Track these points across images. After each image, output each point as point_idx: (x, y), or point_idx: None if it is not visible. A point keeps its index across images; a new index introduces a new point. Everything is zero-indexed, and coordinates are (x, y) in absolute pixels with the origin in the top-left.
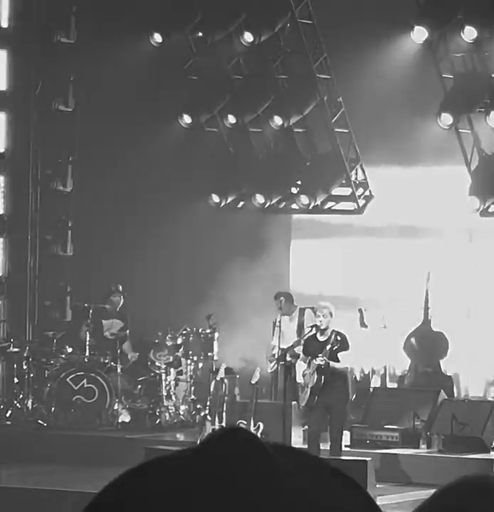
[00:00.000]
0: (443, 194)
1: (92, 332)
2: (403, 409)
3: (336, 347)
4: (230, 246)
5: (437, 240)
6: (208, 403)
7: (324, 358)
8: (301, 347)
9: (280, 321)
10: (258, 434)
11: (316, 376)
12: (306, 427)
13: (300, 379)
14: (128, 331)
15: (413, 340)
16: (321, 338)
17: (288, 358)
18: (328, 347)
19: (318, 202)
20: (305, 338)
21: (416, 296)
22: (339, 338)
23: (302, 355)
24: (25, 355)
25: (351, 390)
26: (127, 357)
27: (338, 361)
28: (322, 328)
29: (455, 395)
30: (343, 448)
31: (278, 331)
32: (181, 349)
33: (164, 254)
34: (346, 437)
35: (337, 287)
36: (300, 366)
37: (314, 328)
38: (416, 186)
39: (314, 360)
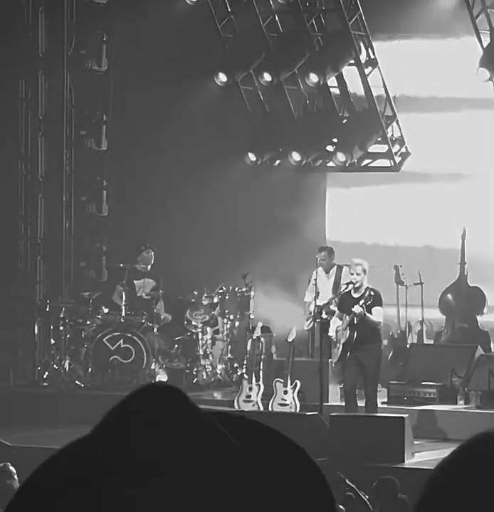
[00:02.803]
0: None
1: (127, 292)
2: (441, 365)
3: (369, 302)
4: (266, 204)
5: (475, 185)
6: (245, 362)
7: (361, 308)
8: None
9: (316, 279)
10: (295, 392)
11: (348, 332)
12: (342, 384)
13: (332, 334)
14: (161, 290)
15: (449, 296)
16: (355, 295)
17: (324, 316)
18: (361, 302)
19: (355, 159)
20: (340, 295)
21: (453, 251)
22: (372, 293)
23: (337, 311)
24: (61, 316)
25: (386, 347)
26: (160, 317)
27: (371, 316)
28: (356, 286)
29: (493, 350)
30: (379, 405)
31: (315, 289)
32: (217, 308)
33: (200, 213)
34: (383, 394)
35: (375, 237)
36: (335, 323)
37: (350, 285)
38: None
39: (346, 316)
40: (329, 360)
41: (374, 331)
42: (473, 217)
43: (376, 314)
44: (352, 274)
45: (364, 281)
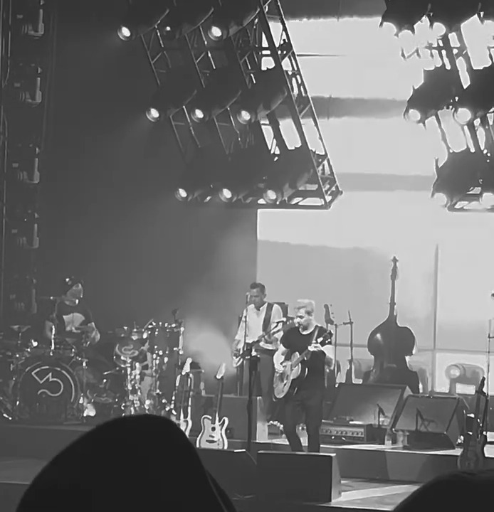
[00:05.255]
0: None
1: (56, 326)
2: (369, 405)
3: (328, 340)
4: (197, 240)
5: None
6: (173, 398)
7: (319, 345)
8: (266, 342)
9: (246, 316)
10: (224, 429)
11: (300, 368)
12: (271, 421)
13: (279, 369)
14: (93, 323)
15: (378, 336)
16: (304, 332)
17: (253, 353)
18: (320, 340)
19: (285, 197)
20: (275, 331)
21: (383, 291)
22: (325, 332)
23: (281, 346)
24: None
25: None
26: (94, 353)
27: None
28: (303, 325)
29: (420, 391)
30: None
31: (244, 326)
32: (146, 343)
33: (130, 248)
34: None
35: (305, 275)
36: (278, 358)
37: (280, 324)
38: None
39: (297, 352)
40: (258, 397)
41: (322, 369)
42: (405, 252)
43: (329, 352)
44: (297, 316)
45: (311, 321)
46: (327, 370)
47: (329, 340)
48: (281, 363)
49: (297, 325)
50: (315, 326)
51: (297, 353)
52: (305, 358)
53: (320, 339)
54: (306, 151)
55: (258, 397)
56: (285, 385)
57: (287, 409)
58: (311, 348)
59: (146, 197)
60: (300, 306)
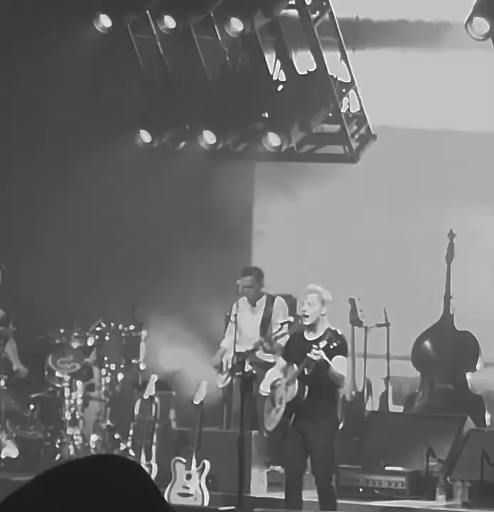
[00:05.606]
0: None
1: None
2: (413, 443)
3: (333, 346)
4: (166, 204)
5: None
6: (131, 432)
7: (320, 352)
8: (265, 352)
9: (236, 314)
10: (203, 477)
11: (296, 386)
12: (272, 466)
13: (266, 391)
14: (12, 326)
15: (427, 343)
16: (309, 337)
17: (248, 367)
18: (323, 344)
19: (293, 143)
20: (279, 335)
21: (433, 280)
22: (337, 337)
23: (280, 361)
24: None
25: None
26: (12, 369)
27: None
28: (308, 323)
29: (488, 423)
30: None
31: (234, 328)
32: (92, 353)
33: (71, 219)
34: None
35: (322, 255)
36: (271, 376)
37: (286, 326)
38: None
39: (295, 365)
40: (253, 431)
41: (332, 389)
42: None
43: (339, 365)
44: (303, 303)
45: (322, 318)
46: (341, 392)
47: (335, 345)
48: (273, 382)
49: (303, 314)
50: (327, 329)
51: (295, 365)
52: (305, 372)
53: (323, 343)
54: (324, 76)
55: (253, 432)
56: (277, 411)
57: (286, 449)
58: (311, 355)
59: (93, 143)
60: (311, 290)
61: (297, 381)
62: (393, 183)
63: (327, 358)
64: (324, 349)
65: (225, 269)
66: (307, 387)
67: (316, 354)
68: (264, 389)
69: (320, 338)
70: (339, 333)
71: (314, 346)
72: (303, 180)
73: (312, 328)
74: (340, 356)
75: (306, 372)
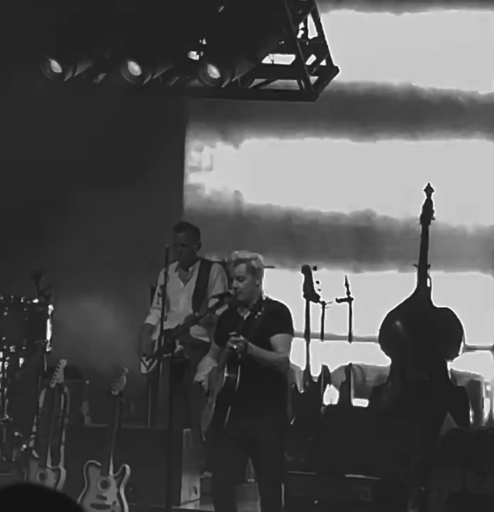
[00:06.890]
0: None
1: None
2: (380, 445)
3: (270, 324)
4: (79, 147)
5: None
6: (34, 429)
7: (240, 336)
8: (201, 328)
9: (165, 284)
10: (122, 485)
11: (226, 374)
12: (206, 473)
13: (202, 381)
14: None
15: (398, 323)
16: (244, 313)
17: (178, 347)
18: (255, 324)
19: (238, 76)
20: (208, 313)
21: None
22: (273, 310)
23: (213, 344)
24: None
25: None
26: None
27: (271, 350)
28: (240, 298)
29: (471, 421)
30: None
31: (161, 301)
32: None
33: None
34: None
35: (270, 211)
36: (210, 365)
37: (226, 299)
38: None
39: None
40: (185, 429)
41: (274, 375)
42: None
43: (281, 344)
44: (233, 274)
45: (257, 290)
46: (289, 380)
47: (272, 323)
48: (210, 371)
49: (232, 291)
50: (263, 300)
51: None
52: (236, 353)
53: (246, 314)
54: None
55: (184, 430)
56: (210, 406)
57: (218, 452)
58: (231, 344)
59: None
60: (239, 259)
61: (225, 368)
62: (355, 127)
63: (255, 345)
64: (252, 326)
65: (149, 227)
66: (238, 375)
67: (235, 341)
68: (199, 377)
69: (255, 315)
70: (280, 303)
71: (232, 333)
72: (247, 121)
73: (246, 303)
74: (279, 335)
75: (237, 354)
